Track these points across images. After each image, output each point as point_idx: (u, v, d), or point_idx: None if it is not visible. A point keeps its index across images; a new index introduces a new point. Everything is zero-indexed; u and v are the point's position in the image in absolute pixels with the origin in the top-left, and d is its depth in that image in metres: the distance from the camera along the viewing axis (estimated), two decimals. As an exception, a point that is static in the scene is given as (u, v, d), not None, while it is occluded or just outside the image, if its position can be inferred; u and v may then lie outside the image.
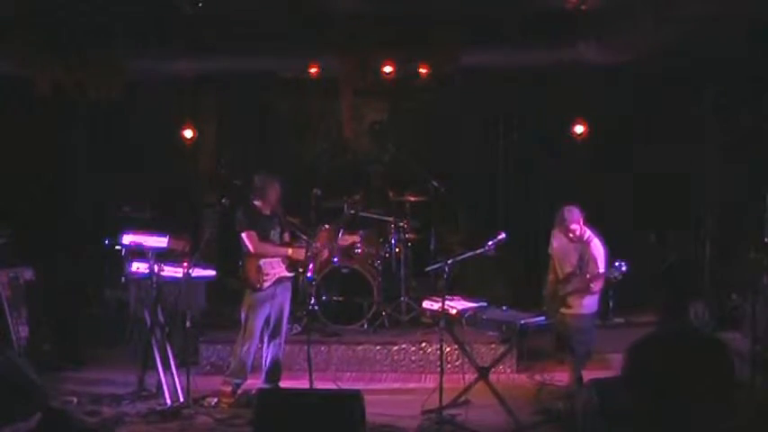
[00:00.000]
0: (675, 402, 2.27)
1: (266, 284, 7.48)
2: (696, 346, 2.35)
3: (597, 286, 7.15)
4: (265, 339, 7.61)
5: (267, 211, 7.62)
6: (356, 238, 8.77)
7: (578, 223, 7.22)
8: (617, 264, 6.97)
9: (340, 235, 9.24)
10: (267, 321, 7.55)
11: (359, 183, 10.57)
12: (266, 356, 7.64)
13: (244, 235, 7.49)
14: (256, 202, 7.60)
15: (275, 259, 7.56)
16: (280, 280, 7.57)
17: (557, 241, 7.48)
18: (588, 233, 7.27)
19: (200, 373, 8.21)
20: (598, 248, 7.19)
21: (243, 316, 7.55)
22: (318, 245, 8.03)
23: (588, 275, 7.11)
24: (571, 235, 7.22)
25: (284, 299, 7.65)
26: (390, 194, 9.82)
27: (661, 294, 9.84)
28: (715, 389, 2.30)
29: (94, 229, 9.67)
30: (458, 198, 10.75)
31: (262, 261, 7.51)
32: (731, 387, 2.32)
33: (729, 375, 2.33)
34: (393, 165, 10.96)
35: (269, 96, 11.22)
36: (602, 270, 7.12)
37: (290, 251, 7.61)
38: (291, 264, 7.65)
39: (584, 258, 7.17)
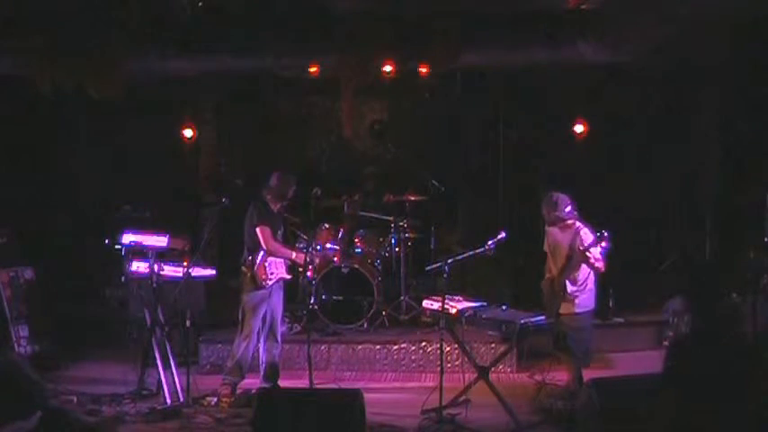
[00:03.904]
0: (712, 401, 2.28)
1: (269, 282, 7.50)
2: (737, 348, 2.36)
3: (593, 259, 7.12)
4: (262, 339, 7.61)
5: (275, 209, 7.65)
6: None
7: (570, 206, 7.24)
8: (599, 234, 6.93)
9: (339, 235, 9.26)
10: (264, 320, 7.56)
11: (358, 182, 10.57)
12: (263, 356, 7.65)
13: (258, 230, 7.46)
14: (268, 200, 7.61)
15: (279, 260, 7.57)
16: (278, 281, 7.60)
17: (550, 235, 7.47)
18: (578, 224, 7.27)
19: (200, 372, 8.25)
20: (588, 236, 7.18)
21: (240, 315, 7.56)
22: (314, 253, 8.07)
23: (581, 248, 7.08)
24: (564, 216, 7.21)
25: (278, 299, 7.66)
26: (390, 194, 9.81)
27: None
28: (747, 388, 2.31)
29: (94, 228, 9.66)
30: (458, 198, 10.75)
31: (269, 259, 7.52)
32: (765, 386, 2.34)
33: (764, 374, 2.34)
34: (393, 165, 10.96)
35: (269, 96, 11.22)
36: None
37: (294, 254, 7.64)
38: (291, 267, 7.69)
39: (574, 247, 7.14)
